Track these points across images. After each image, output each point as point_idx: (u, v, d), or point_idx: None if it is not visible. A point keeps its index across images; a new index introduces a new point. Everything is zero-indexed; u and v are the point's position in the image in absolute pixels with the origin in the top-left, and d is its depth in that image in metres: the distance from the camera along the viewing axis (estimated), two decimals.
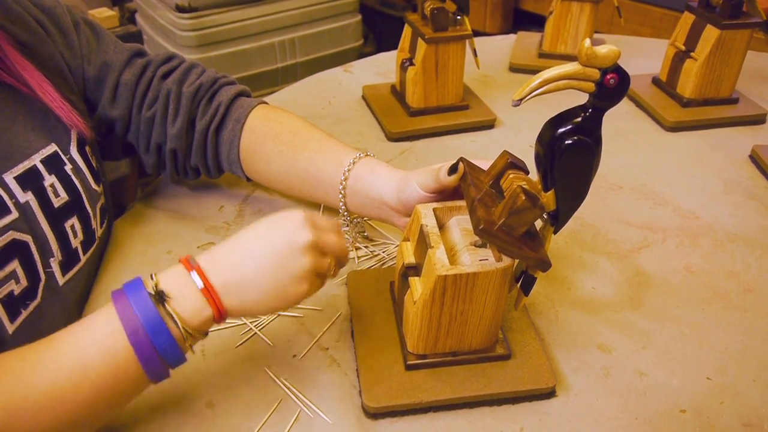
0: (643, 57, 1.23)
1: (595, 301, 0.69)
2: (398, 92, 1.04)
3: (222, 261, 0.50)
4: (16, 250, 0.58)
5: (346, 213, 0.71)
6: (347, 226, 0.74)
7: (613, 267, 0.73)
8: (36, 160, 0.62)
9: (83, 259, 0.66)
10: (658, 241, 0.77)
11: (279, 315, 0.66)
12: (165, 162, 0.77)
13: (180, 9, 1.83)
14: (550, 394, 0.58)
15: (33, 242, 0.60)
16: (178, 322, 0.47)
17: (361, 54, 2.18)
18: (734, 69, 1.00)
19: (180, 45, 1.89)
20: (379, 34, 2.53)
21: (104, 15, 1.87)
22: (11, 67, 0.62)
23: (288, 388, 0.58)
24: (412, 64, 0.98)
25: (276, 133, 0.73)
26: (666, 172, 0.91)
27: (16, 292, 0.58)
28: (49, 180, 0.63)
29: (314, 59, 2.10)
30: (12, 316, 0.57)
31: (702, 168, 0.92)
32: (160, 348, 0.47)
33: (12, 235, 0.58)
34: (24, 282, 0.59)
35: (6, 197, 0.58)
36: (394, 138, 0.98)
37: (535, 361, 0.59)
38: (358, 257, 0.74)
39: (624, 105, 1.08)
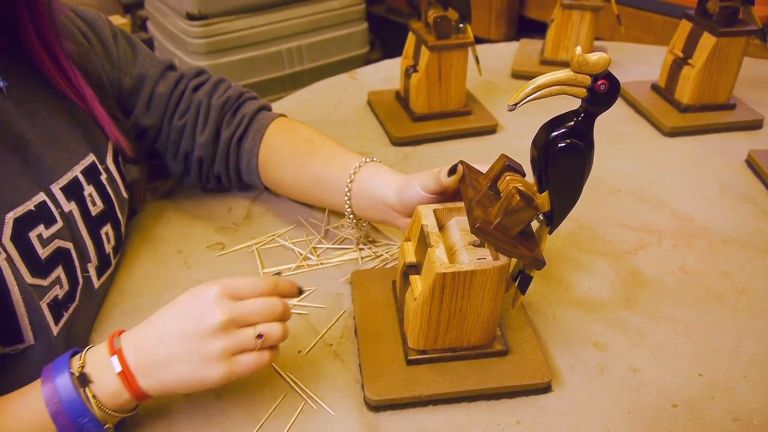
0: (643, 64, 1.25)
1: (592, 301, 0.71)
2: (402, 98, 1.07)
3: (142, 343, 0.52)
4: (61, 257, 0.61)
5: (352, 215, 0.73)
6: (353, 228, 0.77)
7: (610, 268, 0.75)
8: (77, 171, 0.65)
9: (113, 262, 0.71)
10: (654, 242, 0.79)
11: None
12: (190, 169, 0.81)
13: (190, 17, 1.87)
14: (546, 389, 0.60)
15: (74, 249, 0.63)
16: (95, 406, 0.50)
17: (367, 60, 2.21)
18: (731, 75, 1.02)
19: (190, 52, 1.92)
20: (386, 41, 2.56)
21: (116, 23, 1.90)
22: (69, 74, 0.65)
23: (293, 382, 0.61)
24: (415, 70, 1.00)
25: (291, 141, 0.77)
26: (663, 176, 0.93)
27: (60, 297, 0.61)
28: (88, 190, 0.66)
29: (321, 66, 2.13)
30: (56, 318, 0.60)
31: (699, 172, 0.94)
32: (83, 427, 0.49)
33: (57, 243, 0.61)
34: (66, 286, 0.62)
35: (53, 207, 0.61)
36: (398, 143, 1.00)
37: (532, 357, 0.61)
38: (362, 258, 0.76)
39: (623, 110, 1.11)
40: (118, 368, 0.50)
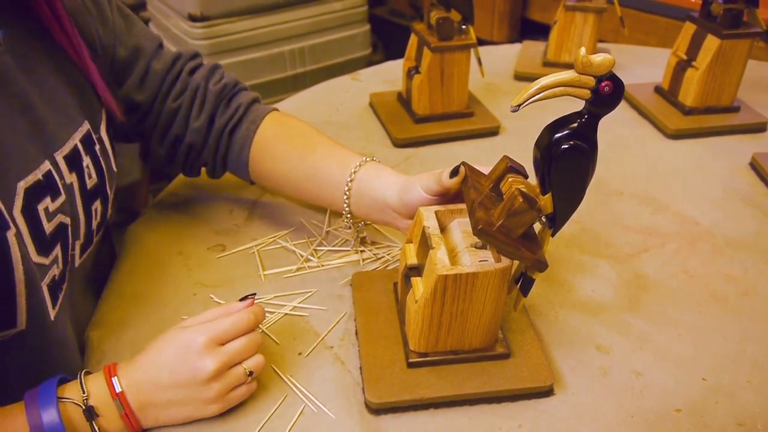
0: (646, 66, 1.25)
1: (594, 303, 0.70)
2: (404, 99, 1.07)
3: (142, 387, 0.54)
4: (60, 233, 0.58)
5: (349, 215, 0.73)
6: (349, 227, 0.76)
7: (613, 270, 0.75)
8: (77, 139, 0.61)
9: (95, 240, 0.67)
10: (657, 245, 0.79)
11: (285, 314, 0.68)
12: (176, 155, 0.78)
13: (193, 18, 1.87)
14: (548, 392, 0.60)
15: (71, 225, 0.60)
16: None
17: (370, 62, 2.21)
18: (735, 78, 1.02)
19: None
20: (388, 42, 2.56)
21: None
22: (70, 32, 0.61)
23: (293, 384, 0.60)
24: (418, 72, 1.00)
25: (287, 135, 0.76)
26: (667, 178, 0.92)
27: (56, 277, 0.58)
28: (86, 161, 0.62)
29: (323, 67, 2.12)
30: (54, 301, 0.57)
31: (702, 175, 0.93)
32: None
33: (59, 218, 0.57)
34: (61, 266, 0.59)
35: (57, 178, 0.57)
36: (399, 144, 1.00)
37: (534, 361, 0.61)
38: (363, 260, 0.76)
39: (626, 113, 1.10)
40: (122, 411, 0.53)
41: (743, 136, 1.03)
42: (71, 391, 0.52)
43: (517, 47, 1.34)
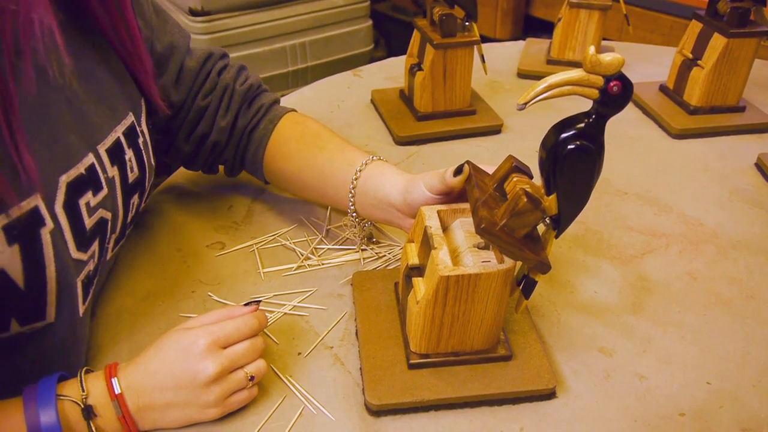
0: (651, 64, 1.24)
1: (597, 305, 0.69)
2: (406, 97, 1.06)
3: (142, 390, 0.53)
4: (100, 228, 0.58)
5: (354, 213, 0.72)
6: (356, 227, 0.75)
7: (616, 272, 0.74)
8: (119, 131, 0.60)
9: (127, 233, 0.67)
10: (661, 246, 0.78)
11: (285, 314, 0.67)
12: (199, 153, 0.78)
13: (193, 12, 1.85)
14: (550, 395, 0.59)
15: (111, 220, 0.59)
16: None
17: (371, 58, 2.20)
18: (741, 77, 1.01)
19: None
20: (390, 39, 2.55)
21: None
22: (127, 16, 0.59)
23: (292, 385, 0.60)
24: (420, 69, 0.99)
25: (300, 134, 0.76)
26: (671, 179, 0.91)
27: (90, 272, 0.57)
28: (128, 154, 0.61)
29: (325, 63, 2.11)
30: (85, 297, 0.57)
31: (707, 175, 0.92)
32: None
33: (100, 213, 0.57)
34: (96, 260, 0.58)
35: (100, 172, 0.56)
36: (401, 142, 0.99)
37: (536, 363, 0.60)
38: (364, 258, 0.75)
39: (631, 112, 1.09)
40: (119, 413, 0.52)
41: (749, 137, 1.02)
42: (71, 390, 0.52)
43: (520, 45, 1.33)
